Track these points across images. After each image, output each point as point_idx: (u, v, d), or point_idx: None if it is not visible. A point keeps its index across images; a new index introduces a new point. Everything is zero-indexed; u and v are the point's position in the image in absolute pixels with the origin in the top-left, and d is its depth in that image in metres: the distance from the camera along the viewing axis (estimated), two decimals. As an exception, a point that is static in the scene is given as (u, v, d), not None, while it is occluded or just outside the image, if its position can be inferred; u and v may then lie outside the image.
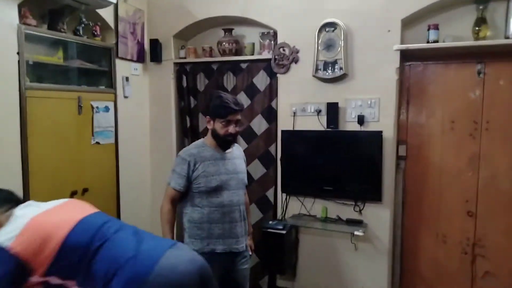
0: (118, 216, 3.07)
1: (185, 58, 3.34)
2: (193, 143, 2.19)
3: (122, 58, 3.13)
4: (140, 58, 3.34)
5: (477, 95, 2.65)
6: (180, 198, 2.08)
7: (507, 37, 2.40)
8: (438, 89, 2.76)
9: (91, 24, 2.82)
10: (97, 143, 2.85)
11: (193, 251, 1.58)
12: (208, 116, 2.08)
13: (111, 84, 3.04)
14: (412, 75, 2.82)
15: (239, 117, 2.04)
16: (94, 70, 2.94)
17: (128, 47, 3.18)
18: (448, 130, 2.75)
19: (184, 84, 3.35)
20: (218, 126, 2.02)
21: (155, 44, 3.32)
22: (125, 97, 3.18)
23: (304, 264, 2.95)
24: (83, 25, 2.75)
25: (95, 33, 2.88)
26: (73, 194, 2.64)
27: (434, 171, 2.81)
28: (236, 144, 2.19)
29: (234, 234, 2.07)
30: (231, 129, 2.01)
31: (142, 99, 3.40)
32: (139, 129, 3.37)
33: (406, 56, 2.73)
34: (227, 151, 2.10)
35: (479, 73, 2.63)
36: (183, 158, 2.05)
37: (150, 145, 3.47)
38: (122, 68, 3.14)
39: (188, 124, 3.37)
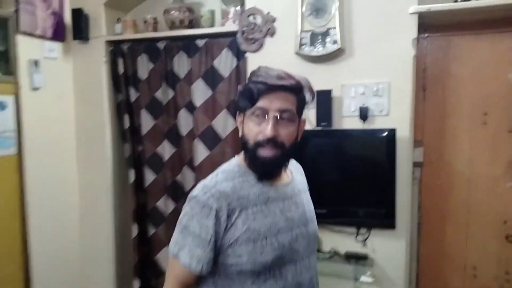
0: (25, 259, 2.17)
1: (121, 34, 2.47)
2: (223, 166, 1.12)
3: (27, 34, 2.22)
4: (58, 35, 2.43)
5: (521, 76, 1.94)
6: (197, 283, 1.10)
7: None
8: (465, 69, 2.04)
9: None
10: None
11: None
12: (237, 112, 1.11)
13: (10, 71, 2.13)
14: (430, 52, 2.08)
15: (288, 104, 1.00)
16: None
17: (37, 19, 2.27)
18: (480, 125, 2.04)
19: (121, 70, 2.49)
20: (248, 126, 1.03)
21: (79, 16, 2.43)
22: (34, 88, 2.28)
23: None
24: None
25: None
26: None
27: (461, 182, 2.09)
28: (292, 161, 1.20)
29: None
30: (268, 129, 0.99)
31: (61, 92, 2.49)
32: (57, 133, 2.46)
33: (422, 25, 1.98)
34: (282, 180, 1.11)
35: (524, 45, 1.91)
36: (204, 204, 1.02)
37: (77, 155, 2.57)
38: (29, 49, 2.25)
39: (128, 124, 2.50)
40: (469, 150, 2.08)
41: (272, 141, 1.00)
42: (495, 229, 2.07)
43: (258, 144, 1.00)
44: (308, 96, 1.07)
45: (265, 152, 1.00)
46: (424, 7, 1.84)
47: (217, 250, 1.02)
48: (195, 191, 1.06)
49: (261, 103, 0.99)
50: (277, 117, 0.99)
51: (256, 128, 1.00)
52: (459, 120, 2.09)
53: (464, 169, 2.09)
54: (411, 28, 1.89)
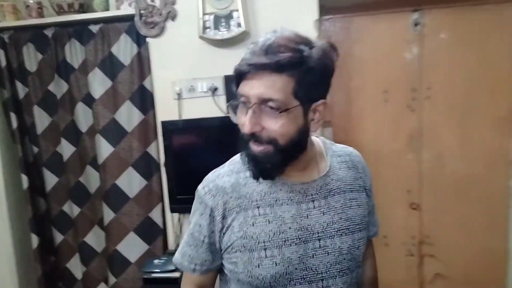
0: None
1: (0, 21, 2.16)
2: (236, 156, 0.97)
3: None
4: None
5: (415, 55, 2.08)
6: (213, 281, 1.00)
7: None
8: (365, 49, 2.13)
9: None
10: None
11: None
12: None
13: None
14: (333, 33, 2.13)
15: (267, 90, 0.77)
16: None
17: None
18: (381, 103, 2.16)
19: (3, 62, 2.17)
20: (238, 114, 0.85)
21: None
22: None
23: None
24: None
25: None
26: None
27: (368, 158, 2.17)
28: (347, 149, 1.02)
29: None
30: (246, 123, 0.80)
31: None
32: None
33: (324, 7, 2.01)
34: (304, 175, 0.91)
35: (416, 24, 2.04)
36: (202, 200, 0.93)
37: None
38: None
39: (16, 124, 2.20)
40: (373, 128, 2.20)
41: (253, 137, 0.82)
42: (400, 198, 2.23)
43: (243, 139, 0.83)
44: (319, 61, 0.79)
45: (254, 147, 0.83)
46: (322, -11, 1.86)
47: (215, 252, 0.93)
48: (200, 184, 0.96)
49: (241, 88, 0.80)
50: (256, 107, 0.79)
51: (242, 119, 0.82)
52: (363, 100, 2.19)
53: (370, 146, 2.20)
54: (312, 10, 1.89)
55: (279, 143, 0.80)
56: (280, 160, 0.83)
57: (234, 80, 0.81)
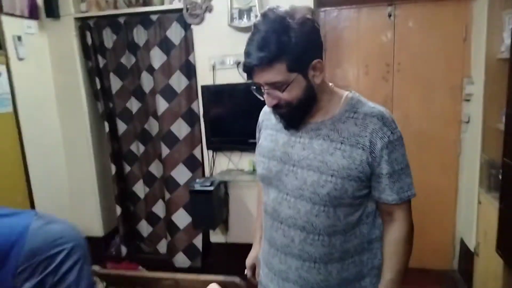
0: (30, 191, 2.79)
1: (86, 12, 2.98)
2: None
3: (9, 14, 2.70)
4: (34, 14, 2.91)
5: (389, 38, 2.73)
6: None
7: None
8: (352, 34, 2.79)
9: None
10: (-10, 113, 2.50)
11: None
12: None
13: (0, 45, 2.63)
14: (327, 22, 2.81)
15: (270, 77, 1.00)
16: (-26, 28, 2.51)
17: (15, 1, 2.74)
18: (363, 74, 2.83)
19: (89, 41, 3.01)
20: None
21: (49, -3, 2.91)
22: (20, 59, 2.78)
23: (235, 218, 2.96)
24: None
25: (-32, -17, 2.43)
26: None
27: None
28: (363, 110, 1.07)
29: (273, 268, 1.20)
30: (267, 100, 1.06)
31: (42, 61, 3.00)
32: (42, 94, 3.00)
33: (321, 1, 2.69)
34: (315, 117, 1.11)
35: (389, 15, 2.69)
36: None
37: (58, 111, 3.13)
38: (12, 26, 2.72)
39: (99, 86, 3.07)
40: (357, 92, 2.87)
41: (276, 107, 1.06)
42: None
43: (272, 108, 1.08)
44: (300, 37, 0.96)
45: (278, 111, 1.09)
46: (318, -11, 2.55)
47: None
48: None
49: (254, 79, 1.02)
50: (268, 88, 1.02)
51: (263, 97, 1.06)
52: (350, 71, 2.85)
53: (355, 107, 2.89)
54: (309, 4, 2.58)
55: (293, 104, 1.03)
56: (299, 114, 1.08)
57: (245, 73, 1.04)
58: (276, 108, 1.07)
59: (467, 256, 2.65)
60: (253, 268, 1.42)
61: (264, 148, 1.19)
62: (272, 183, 1.15)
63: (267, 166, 1.16)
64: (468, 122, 2.64)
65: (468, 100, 2.63)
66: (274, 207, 1.14)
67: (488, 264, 2.23)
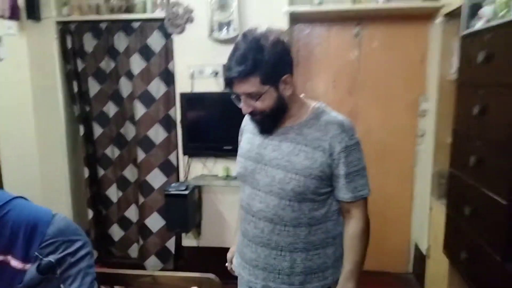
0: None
1: (68, 15, 3.04)
2: None
3: (-11, 14, 2.73)
4: (14, 15, 2.94)
5: (355, 56, 2.97)
6: None
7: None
8: (322, 51, 3.01)
9: None
10: (-33, 112, 2.51)
11: None
12: None
13: (-21, 44, 2.66)
14: (300, 38, 3.02)
15: (246, 88, 1.17)
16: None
17: (-4, 1, 2.78)
18: (331, 88, 3.05)
19: (69, 45, 3.07)
20: None
21: (31, -1, 2.95)
22: (-1, 59, 2.81)
23: (209, 222, 3.07)
24: None
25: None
26: None
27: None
28: (326, 118, 1.24)
29: (245, 257, 1.36)
30: (243, 107, 1.23)
31: (20, 62, 3.02)
32: (19, 95, 3.02)
33: (294, 18, 2.89)
34: (286, 123, 1.27)
35: (356, 35, 2.93)
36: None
37: (34, 112, 3.13)
38: (-8, 26, 2.76)
39: (76, 89, 3.12)
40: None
41: (251, 114, 1.23)
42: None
43: (248, 115, 1.27)
44: (272, 56, 1.12)
45: (253, 118, 1.26)
46: (291, 8, 2.75)
47: None
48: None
49: (234, 89, 1.19)
50: (246, 97, 1.18)
51: (240, 105, 1.23)
52: (319, 85, 3.06)
53: (323, 118, 3.10)
54: (284, 22, 2.75)
55: (266, 112, 1.21)
56: (271, 121, 1.24)
57: (226, 84, 1.20)
58: (251, 115, 1.25)
59: (420, 259, 2.89)
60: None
61: (242, 149, 1.36)
62: (247, 180, 1.31)
63: (243, 165, 1.32)
64: (422, 136, 2.91)
65: (423, 116, 2.91)
66: (248, 202, 1.30)
67: (437, 265, 2.46)
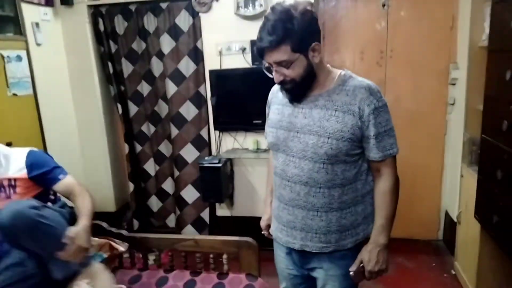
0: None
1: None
2: None
3: (27, 2, 2.86)
4: (49, 2, 3.07)
5: (383, 26, 2.95)
6: None
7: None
8: (349, 23, 3.01)
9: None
10: (14, 94, 2.69)
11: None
12: None
13: (20, 31, 2.81)
14: (326, 11, 3.02)
15: (278, 56, 1.22)
16: (-3, 15, 2.68)
17: (33, -11, 2.91)
18: (359, 60, 3.06)
19: (102, 28, 3.19)
20: None
21: (64, -15, 3.07)
22: (38, 44, 2.96)
23: (240, 193, 3.21)
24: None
25: (-8, -28, 2.59)
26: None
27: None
28: (353, 83, 1.28)
29: (282, 220, 1.42)
30: (275, 76, 1.27)
31: (57, 46, 3.18)
32: (58, 78, 3.19)
33: (320, -9, 2.89)
34: (315, 91, 1.31)
35: (383, 5, 2.90)
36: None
37: (73, 95, 3.32)
38: (31, 13, 2.89)
39: (111, 70, 3.26)
40: (354, 77, 3.11)
41: (282, 83, 1.28)
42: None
43: (280, 84, 1.30)
44: (301, 24, 1.17)
45: (284, 86, 1.30)
46: (318, -19, 2.75)
47: None
48: None
49: (265, 59, 1.25)
50: (277, 66, 1.23)
51: (272, 75, 1.28)
52: (346, 58, 3.07)
53: (350, 90, 3.12)
54: (310, -5, 2.79)
55: (296, 80, 1.26)
56: (302, 89, 1.29)
57: (258, 54, 1.26)
58: (282, 84, 1.29)
59: (450, 226, 2.94)
60: (268, 227, 1.62)
61: (272, 120, 1.41)
62: (280, 148, 1.37)
63: (275, 134, 1.37)
64: (453, 104, 2.89)
65: (453, 84, 2.88)
66: (283, 168, 1.36)
67: (468, 230, 2.50)
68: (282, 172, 1.37)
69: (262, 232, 1.67)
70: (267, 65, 1.27)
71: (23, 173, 1.69)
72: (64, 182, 1.74)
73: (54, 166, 1.76)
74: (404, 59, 2.97)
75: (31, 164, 1.70)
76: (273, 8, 1.22)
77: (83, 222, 1.60)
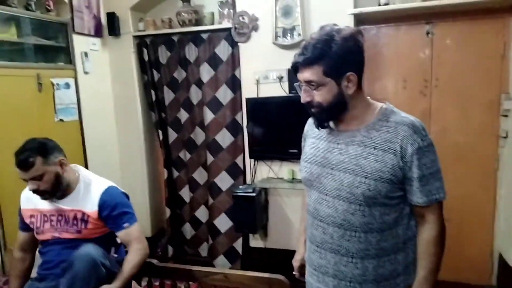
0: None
1: (144, 30, 3.30)
2: None
3: (79, 33, 3.07)
4: (98, 33, 3.27)
5: (427, 55, 2.82)
6: None
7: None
8: (390, 51, 2.91)
9: (43, -2, 2.75)
10: (61, 120, 2.84)
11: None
12: None
13: (70, 60, 3.00)
14: (366, 39, 2.92)
15: (308, 75, 1.16)
16: (51, 46, 2.89)
17: (84, 22, 3.11)
18: (401, 89, 2.93)
19: (146, 57, 3.33)
20: None
21: (112, 18, 3.26)
22: (86, 73, 3.13)
23: (275, 224, 3.12)
24: (34, -1, 2.67)
25: (49, 7, 2.81)
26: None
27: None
28: (395, 119, 1.18)
29: (313, 263, 1.32)
30: (302, 95, 1.22)
31: (103, 75, 3.36)
32: (103, 105, 3.35)
33: (360, 20, 2.84)
34: (348, 126, 1.24)
35: (428, 33, 2.79)
36: None
37: (116, 121, 3.46)
38: (80, 44, 3.09)
39: (154, 98, 3.37)
40: (395, 106, 2.97)
41: (308, 105, 1.22)
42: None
43: (307, 105, 1.23)
44: (339, 49, 1.11)
45: (311, 110, 1.23)
46: (357, 10, 2.71)
47: None
48: None
49: (298, 76, 1.20)
50: (306, 85, 1.18)
51: (301, 94, 1.23)
52: (388, 86, 2.96)
53: (392, 120, 2.99)
54: (350, 24, 2.75)
55: (323, 105, 1.18)
56: (327, 116, 1.22)
57: (292, 69, 1.23)
58: (309, 106, 1.22)
59: (506, 270, 2.65)
60: (301, 268, 1.51)
61: (307, 155, 1.34)
62: (314, 185, 1.28)
63: (309, 170, 1.29)
64: (505, 137, 2.67)
65: (506, 116, 2.67)
66: (315, 207, 1.27)
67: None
68: (314, 211, 1.28)
69: (294, 273, 1.57)
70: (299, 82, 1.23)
71: (94, 210, 1.70)
72: (126, 232, 1.72)
73: (123, 211, 1.74)
74: (451, 89, 2.81)
75: (104, 203, 1.71)
76: (321, 28, 1.19)
77: (116, 284, 1.60)
